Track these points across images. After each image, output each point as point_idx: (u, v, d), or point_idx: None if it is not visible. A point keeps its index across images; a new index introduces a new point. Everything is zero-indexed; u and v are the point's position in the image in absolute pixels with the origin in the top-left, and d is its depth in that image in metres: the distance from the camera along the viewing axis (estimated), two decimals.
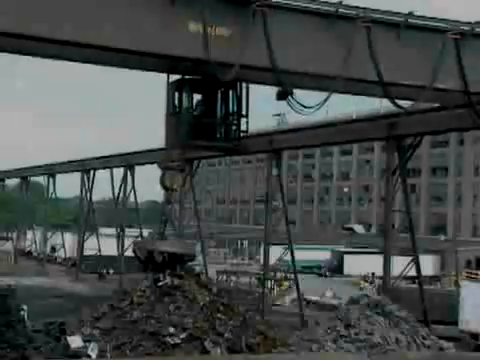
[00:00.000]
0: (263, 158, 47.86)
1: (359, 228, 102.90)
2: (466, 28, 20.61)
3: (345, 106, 74.63)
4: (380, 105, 39.26)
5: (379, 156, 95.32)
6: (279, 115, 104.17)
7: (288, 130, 42.08)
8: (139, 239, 35.29)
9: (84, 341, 23.07)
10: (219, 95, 22.80)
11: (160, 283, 25.93)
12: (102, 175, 65.24)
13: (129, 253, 56.80)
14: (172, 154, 24.83)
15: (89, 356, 21.72)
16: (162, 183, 29.16)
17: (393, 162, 31.55)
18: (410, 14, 20.17)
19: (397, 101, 20.75)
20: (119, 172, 58.65)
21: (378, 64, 19.18)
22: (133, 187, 57.20)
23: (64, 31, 17.29)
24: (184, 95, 22.64)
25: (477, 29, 20.55)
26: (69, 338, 23.07)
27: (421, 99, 20.68)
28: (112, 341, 23.78)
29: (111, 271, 62.21)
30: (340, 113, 72.42)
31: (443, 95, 21.51)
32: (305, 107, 20.21)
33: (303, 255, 62.03)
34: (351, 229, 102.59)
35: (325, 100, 19.95)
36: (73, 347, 22.45)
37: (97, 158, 62.89)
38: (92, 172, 64.65)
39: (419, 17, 20.44)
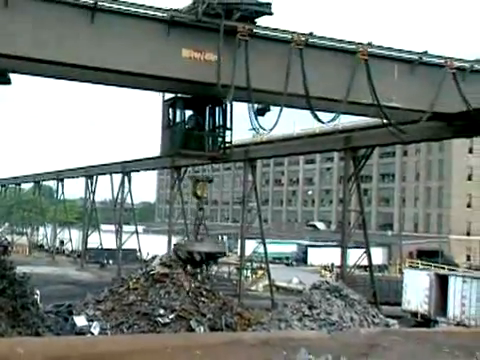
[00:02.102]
0: (240, 166, 47.92)
1: (321, 225, 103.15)
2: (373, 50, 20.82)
3: (309, 122, 74.83)
4: (338, 121, 39.42)
5: (338, 164, 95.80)
6: (254, 129, 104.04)
7: (261, 142, 42.12)
8: (180, 241, 34.54)
9: (88, 321, 22.99)
10: (207, 111, 22.77)
11: (152, 272, 25.90)
12: (103, 180, 64.87)
13: (126, 246, 57.12)
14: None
15: (92, 333, 21.65)
16: (194, 193, 29.30)
17: (349, 170, 31.69)
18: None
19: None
20: (118, 177, 58.51)
21: (305, 80, 19.09)
22: (129, 190, 56.92)
23: (92, 60, 17.60)
24: (177, 111, 22.62)
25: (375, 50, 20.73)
26: (75, 318, 22.99)
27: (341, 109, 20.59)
28: (111, 321, 23.72)
29: (111, 261, 61.75)
30: (305, 128, 72.74)
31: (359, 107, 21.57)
32: (263, 129, 20.34)
33: (274, 248, 61.95)
34: (314, 226, 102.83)
35: (274, 125, 19.97)
36: (79, 326, 22.37)
37: (99, 166, 62.64)
38: (95, 177, 64.29)
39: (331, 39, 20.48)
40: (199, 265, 25.79)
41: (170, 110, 22.77)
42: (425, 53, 21.51)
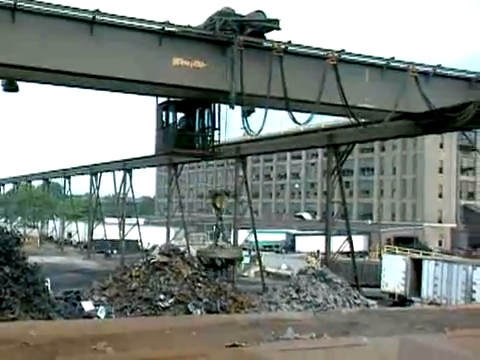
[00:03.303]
0: (232, 162, 47.97)
1: (307, 215, 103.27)
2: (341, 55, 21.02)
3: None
4: (321, 121, 39.42)
5: (322, 160, 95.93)
6: (245, 129, 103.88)
7: (251, 140, 42.24)
8: (202, 248, 34.73)
9: (95, 305, 22.98)
10: (197, 113, 22.88)
11: (153, 261, 25.90)
12: (106, 177, 64.69)
13: (128, 237, 57.03)
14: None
15: (99, 317, 21.63)
16: (214, 205, 29.92)
17: (332, 164, 31.76)
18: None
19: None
20: (120, 174, 58.35)
21: (285, 84, 19.23)
22: (131, 186, 56.83)
23: (91, 68, 17.80)
24: (170, 114, 22.74)
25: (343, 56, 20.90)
26: (83, 303, 22.97)
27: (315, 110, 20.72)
28: (116, 305, 23.71)
29: (115, 251, 61.59)
30: (291, 127, 72.70)
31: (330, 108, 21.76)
32: (251, 131, 20.52)
33: (264, 237, 61.94)
34: (301, 216, 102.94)
35: (261, 127, 20.17)
36: (86, 310, 22.36)
37: (102, 164, 62.45)
38: (99, 174, 64.14)
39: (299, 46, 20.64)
40: (220, 269, 26.32)
41: (163, 113, 22.94)
42: (392, 59, 21.94)
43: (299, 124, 21.35)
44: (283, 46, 19.60)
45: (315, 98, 19.87)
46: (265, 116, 19.67)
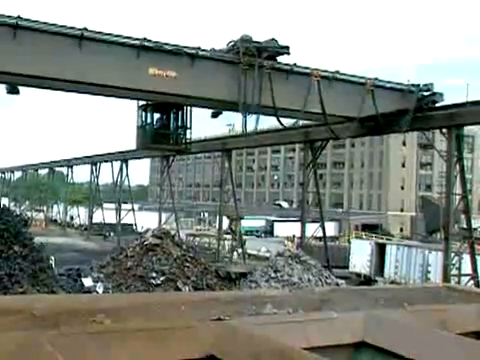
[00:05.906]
0: (219, 155, 47.74)
1: (285, 204, 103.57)
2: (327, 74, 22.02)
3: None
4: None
5: (299, 154, 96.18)
6: (230, 125, 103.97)
7: (235, 135, 42.03)
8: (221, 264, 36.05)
9: (94, 282, 22.93)
10: (172, 114, 23.60)
11: (146, 243, 25.88)
12: (105, 166, 64.26)
13: (124, 221, 56.75)
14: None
15: (97, 292, 21.60)
16: (230, 228, 31.13)
17: (308, 158, 31.87)
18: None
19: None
20: (117, 164, 58.05)
21: (273, 94, 20.16)
22: (127, 175, 56.59)
23: (79, 75, 18.30)
24: (148, 114, 23.43)
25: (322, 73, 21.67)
26: (83, 280, 22.91)
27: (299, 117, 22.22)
28: (113, 282, 23.69)
29: (112, 234, 61.28)
30: (272, 124, 72.71)
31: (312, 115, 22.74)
32: (247, 133, 21.17)
33: (246, 223, 61.93)
34: (279, 205, 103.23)
35: (255, 128, 21.20)
36: (86, 286, 22.30)
37: (102, 154, 62.02)
38: (98, 164, 63.74)
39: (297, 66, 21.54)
40: (233, 281, 26.89)
41: (143, 113, 23.60)
42: (337, 72, 22.61)
43: (284, 126, 22.33)
44: (270, 63, 20.35)
45: (295, 106, 20.94)
46: (257, 120, 20.94)
